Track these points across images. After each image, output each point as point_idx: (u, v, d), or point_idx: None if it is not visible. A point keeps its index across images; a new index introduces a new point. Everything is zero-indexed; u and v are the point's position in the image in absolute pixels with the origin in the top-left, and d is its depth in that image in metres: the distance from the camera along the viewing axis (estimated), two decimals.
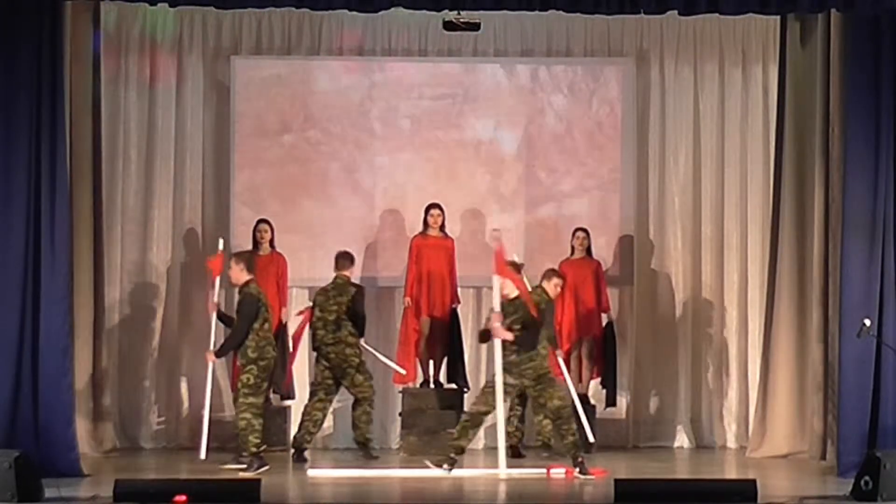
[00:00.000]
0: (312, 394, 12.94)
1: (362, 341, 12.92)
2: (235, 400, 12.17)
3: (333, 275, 12.92)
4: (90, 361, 12.61)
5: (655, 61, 14.25)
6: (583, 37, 14.19)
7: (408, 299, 13.48)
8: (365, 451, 12.92)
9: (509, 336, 11.52)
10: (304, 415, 12.86)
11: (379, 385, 13.81)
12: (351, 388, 12.88)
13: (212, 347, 12.10)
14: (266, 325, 11.91)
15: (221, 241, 12.50)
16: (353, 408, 12.95)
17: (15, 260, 11.48)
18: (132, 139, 13.93)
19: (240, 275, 11.95)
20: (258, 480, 10.23)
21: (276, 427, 13.27)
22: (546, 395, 11.62)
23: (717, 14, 11.75)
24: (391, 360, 13.28)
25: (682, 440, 14.09)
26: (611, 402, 13.58)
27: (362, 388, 12.85)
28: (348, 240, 13.87)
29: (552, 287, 12.59)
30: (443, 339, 13.48)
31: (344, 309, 12.78)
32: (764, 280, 13.54)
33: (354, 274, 13.20)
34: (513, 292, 11.71)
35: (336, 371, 12.82)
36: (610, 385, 13.57)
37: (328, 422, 13.85)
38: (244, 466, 11.74)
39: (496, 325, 11.56)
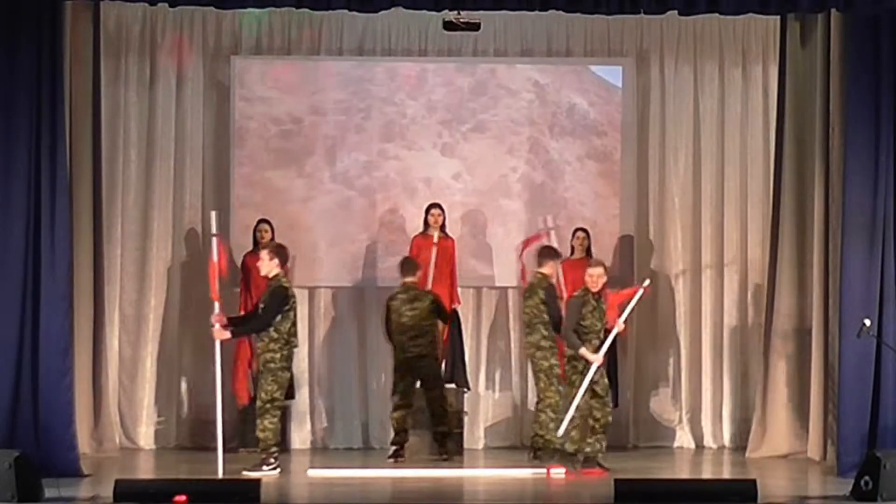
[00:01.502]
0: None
1: None
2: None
3: None
4: (90, 361, 12.60)
5: (655, 61, 14.25)
6: (583, 37, 14.19)
7: None
8: (548, 454, 12.46)
9: (225, 335, 11.86)
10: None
11: (380, 385, 13.84)
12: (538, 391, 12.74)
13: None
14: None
15: (214, 215, 12.27)
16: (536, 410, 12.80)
17: (15, 260, 11.49)
18: (132, 139, 13.93)
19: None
20: (258, 480, 10.23)
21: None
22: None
23: (717, 14, 11.75)
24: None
25: (682, 440, 14.09)
26: (614, 402, 13.55)
27: (545, 392, 12.59)
28: (348, 240, 13.89)
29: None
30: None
31: (535, 311, 12.62)
32: (764, 280, 13.54)
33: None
34: (271, 272, 11.90)
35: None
36: (613, 386, 13.54)
37: (328, 422, 13.89)
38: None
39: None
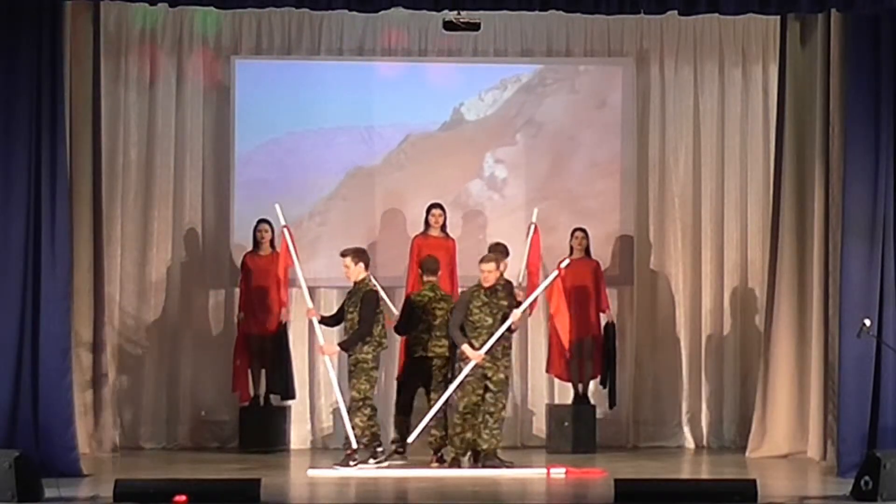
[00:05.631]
0: None
1: None
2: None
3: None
4: (90, 361, 12.60)
5: (655, 61, 14.25)
6: (583, 37, 14.19)
7: None
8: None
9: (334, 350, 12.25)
10: None
11: (379, 385, 13.82)
12: None
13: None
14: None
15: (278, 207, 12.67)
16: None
17: (15, 260, 11.48)
18: (132, 139, 13.93)
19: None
20: (258, 480, 10.23)
21: (276, 427, 13.32)
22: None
23: (717, 14, 11.75)
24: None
25: (682, 440, 14.09)
26: (612, 402, 13.56)
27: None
28: (349, 240, 13.87)
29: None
30: None
31: None
32: (764, 280, 13.54)
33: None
34: (359, 277, 12.13)
35: None
36: (611, 386, 13.55)
37: (328, 422, 13.88)
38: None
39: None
